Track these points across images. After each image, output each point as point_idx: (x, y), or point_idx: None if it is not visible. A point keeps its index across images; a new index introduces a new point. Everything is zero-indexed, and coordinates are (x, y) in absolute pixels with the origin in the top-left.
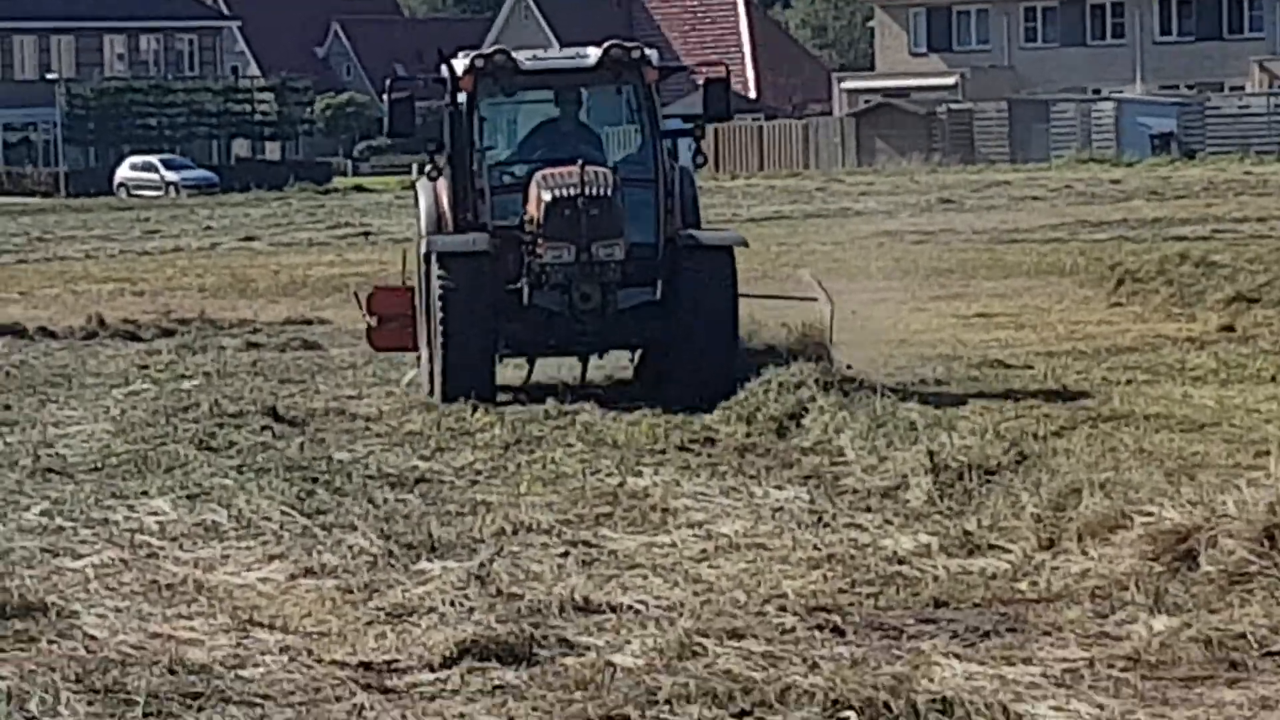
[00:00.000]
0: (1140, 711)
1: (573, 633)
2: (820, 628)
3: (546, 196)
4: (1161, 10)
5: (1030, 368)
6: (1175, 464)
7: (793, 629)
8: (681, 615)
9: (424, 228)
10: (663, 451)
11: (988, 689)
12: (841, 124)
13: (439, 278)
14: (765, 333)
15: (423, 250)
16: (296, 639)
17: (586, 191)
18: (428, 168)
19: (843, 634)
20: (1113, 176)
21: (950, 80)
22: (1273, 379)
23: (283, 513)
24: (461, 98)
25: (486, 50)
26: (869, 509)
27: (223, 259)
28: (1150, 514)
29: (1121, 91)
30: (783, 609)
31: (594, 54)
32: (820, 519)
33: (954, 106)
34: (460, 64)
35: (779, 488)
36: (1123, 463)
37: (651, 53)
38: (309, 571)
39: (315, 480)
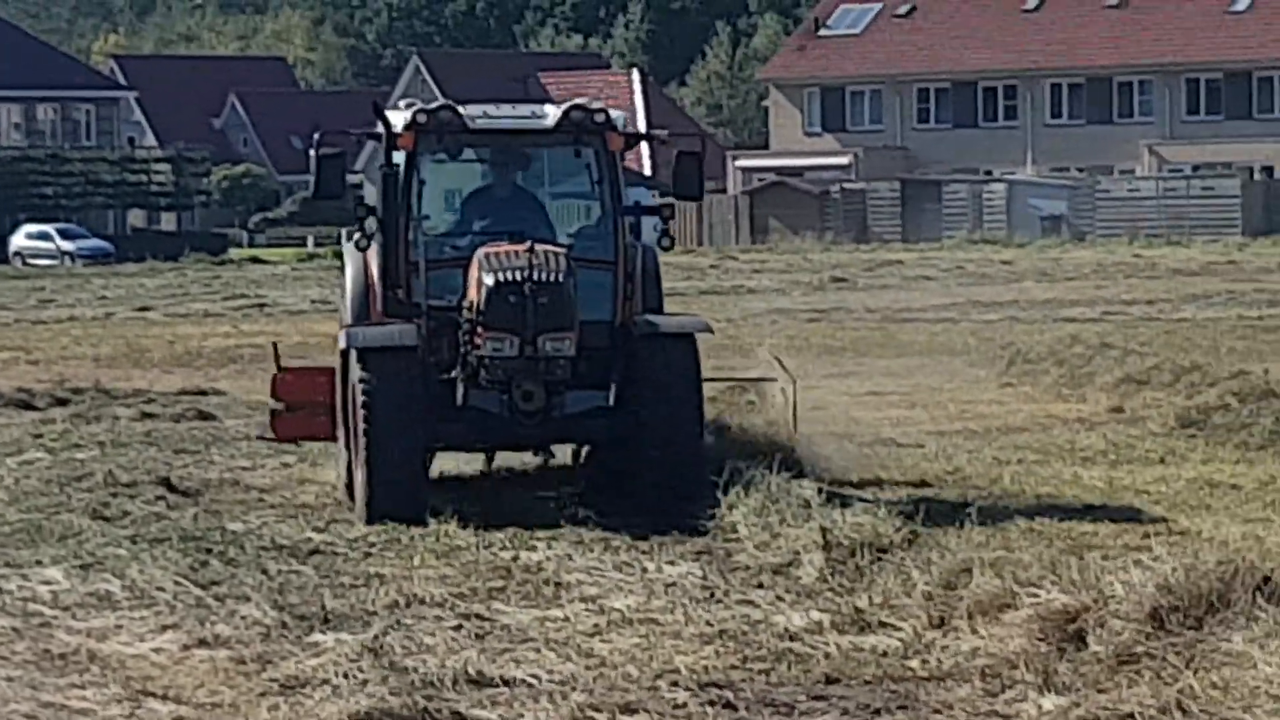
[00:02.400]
0: None
1: (466, 706)
2: (713, 703)
3: (489, 280)
4: (1053, 93)
5: (922, 446)
6: (1064, 544)
7: (685, 705)
8: (574, 690)
9: (349, 303)
10: (556, 525)
11: None
12: (736, 202)
13: (361, 379)
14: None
15: (341, 343)
16: (189, 710)
17: (535, 276)
18: (355, 236)
19: (735, 710)
20: (1004, 257)
21: (844, 160)
22: (1161, 461)
23: (176, 583)
24: (399, 157)
25: (430, 105)
26: (761, 585)
27: (118, 329)
28: (1039, 594)
29: (1013, 173)
30: (675, 684)
31: (552, 114)
32: (713, 595)
33: (847, 186)
34: (399, 118)
35: (671, 563)
36: (1013, 542)
37: (617, 115)
38: (202, 642)
39: (209, 551)
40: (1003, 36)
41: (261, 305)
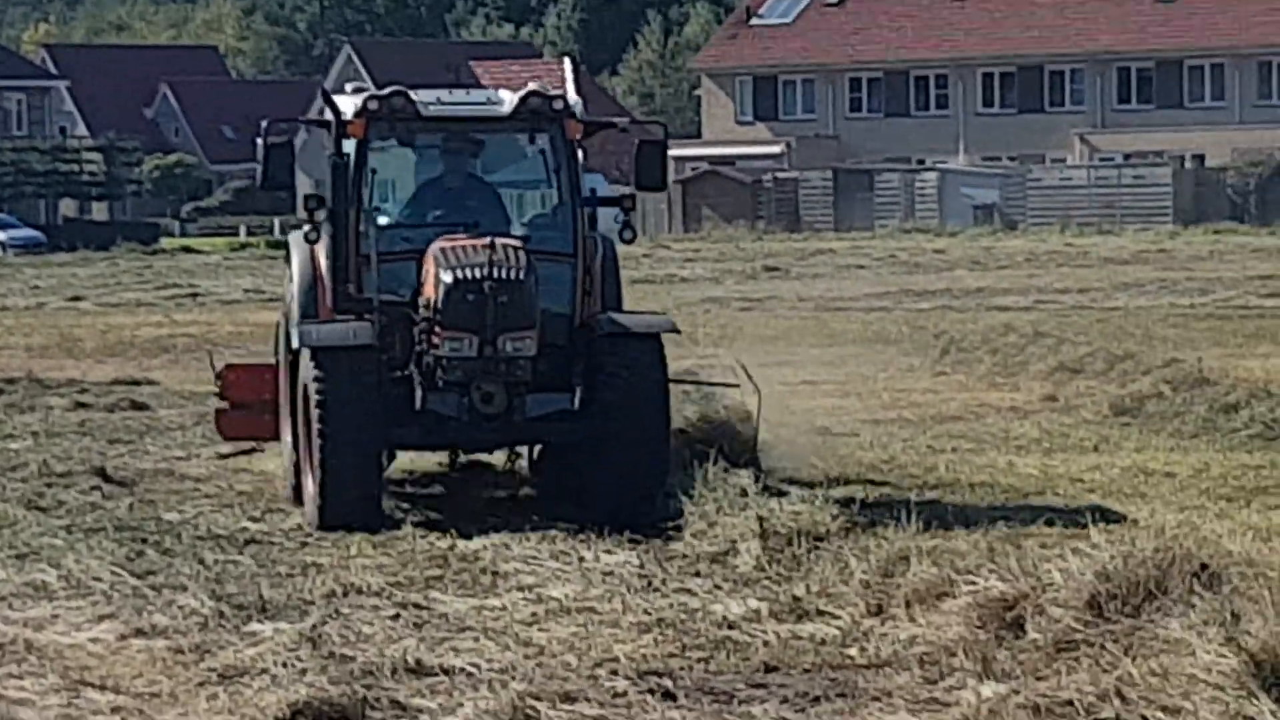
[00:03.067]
0: None
1: (405, 695)
2: (652, 692)
3: (447, 277)
4: (984, 83)
5: (856, 435)
6: (1000, 532)
7: (624, 693)
8: (514, 678)
9: (296, 298)
10: (493, 514)
11: None
12: (668, 191)
13: (315, 380)
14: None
15: (294, 341)
16: (128, 699)
17: (495, 274)
18: (305, 229)
19: (674, 698)
20: (936, 246)
21: (776, 149)
22: (1095, 449)
23: (112, 573)
24: (349, 146)
25: (382, 91)
26: (699, 574)
27: (50, 318)
28: (977, 582)
29: (945, 162)
30: (614, 673)
31: (509, 100)
32: (650, 584)
33: (780, 175)
34: (348, 104)
35: (609, 552)
36: (949, 531)
37: (575, 102)
38: (139, 632)
39: (145, 541)
40: (934, 25)
41: (194, 295)
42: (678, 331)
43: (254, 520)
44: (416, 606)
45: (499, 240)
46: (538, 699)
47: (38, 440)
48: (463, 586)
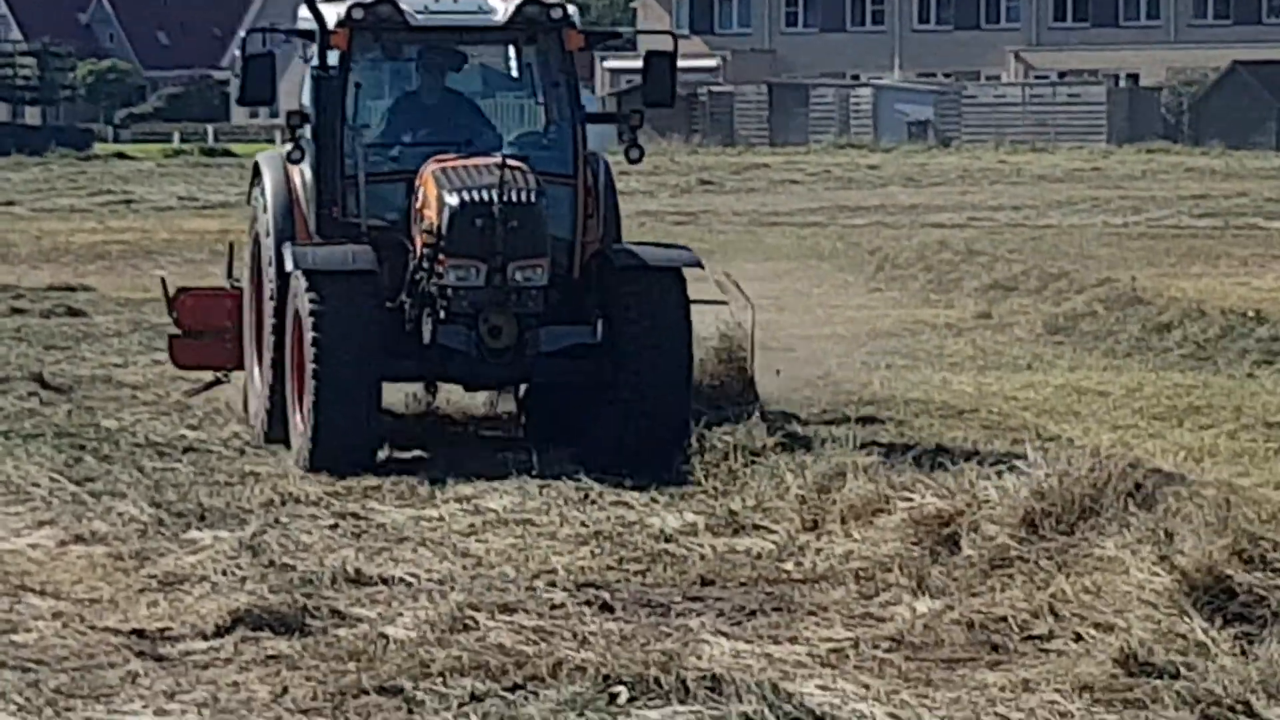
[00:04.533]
0: (904, 692)
1: (344, 604)
2: (589, 604)
3: (452, 200)
4: None
5: (792, 350)
6: (934, 449)
7: (562, 604)
8: (453, 589)
9: (272, 221)
10: (432, 426)
11: (755, 667)
12: (604, 104)
13: (311, 307)
14: None
15: (287, 264)
16: (68, 605)
17: (506, 196)
18: (288, 148)
19: (611, 610)
20: (870, 162)
21: (711, 62)
22: (1028, 367)
23: (51, 479)
24: (333, 58)
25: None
26: (635, 488)
27: None
28: (912, 498)
29: (880, 78)
30: (552, 584)
31: (502, 9)
32: (587, 496)
33: (714, 89)
34: (331, 12)
35: (547, 466)
36: (884, 448)
37: (573, 10)
38: (79, 538)
39: (83, 448)
40: None
41: (129, 202)
42: (700, 266)
43: (191, 428)
44: (354, 516)
45: (508, 159)
46: (476, 609)
47: None
48: (400, 497)
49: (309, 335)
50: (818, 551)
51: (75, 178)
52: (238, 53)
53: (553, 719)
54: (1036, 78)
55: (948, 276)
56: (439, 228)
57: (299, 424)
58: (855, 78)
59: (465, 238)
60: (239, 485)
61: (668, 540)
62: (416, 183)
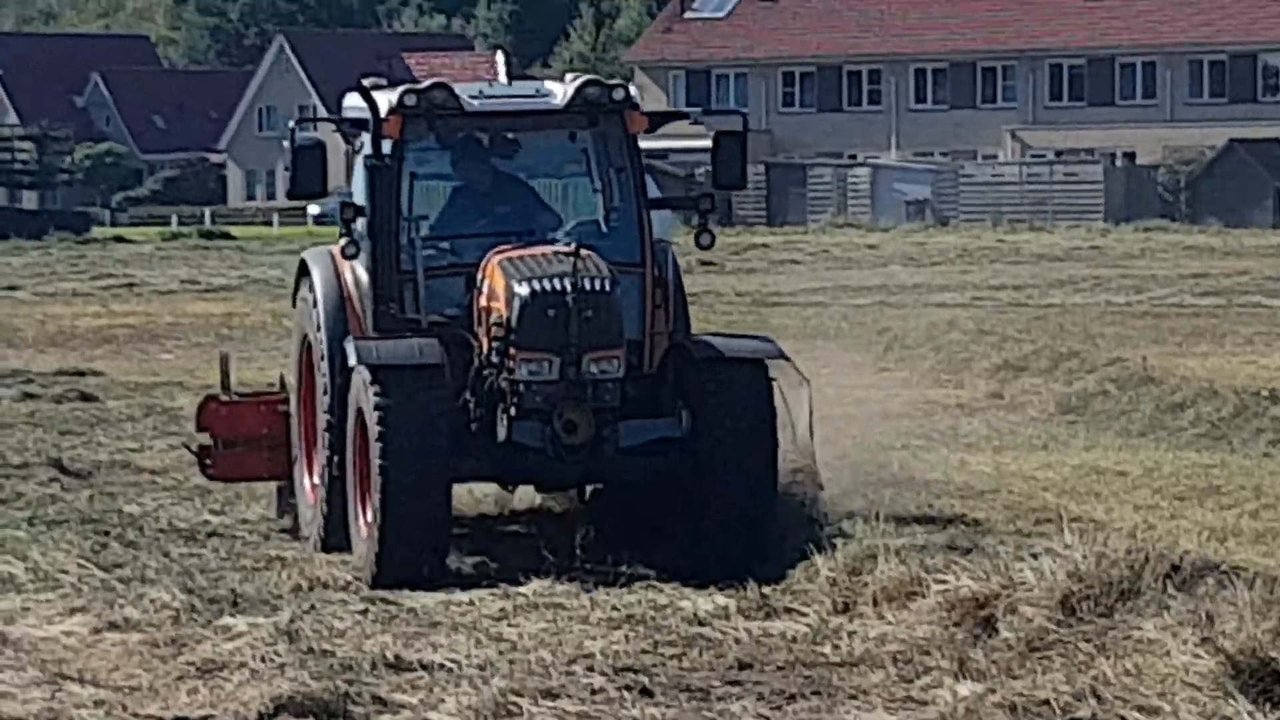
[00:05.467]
0: None
1: (386, 690)
2: (629, 688)
3: (522, 290)
4: (916, 78)
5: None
6: (959, 531)
7: (602, 690)
8: (495, 675)
9: (323, 320)
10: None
11: None
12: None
13: (377, 403)
14: None
15: (351, 358)
16: (109, 693)
17: (580, 285)
18: (343, 243)
19: (651, 695)
20: (869, 242)
21: (708, 143)
22: (1044, 447)
23: (79, 565)
24: (386, 146)
25: (420, 84)
26: (663, 570)
27: None
28: (947, 581)
29: (877, 158)
30: (590, 669)
31: (561, 91)
32: (616, 579)
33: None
34: (383, 99)
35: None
36: (911, 529)
37: (635, 91)
38: (113, 625)
39: (108, 534)
40: (867, 21)
41: (130, 285)
42: (786, 358)
43: (214, 513)
44: (384, 601)
45: (581, 249)
46: (519, 695)
47: None
48: (427, 581)
49: (374, 433)
50: (852, 634)
51: (75, 261)
52: (285, 144)
53: None
54: (1033, 156)
55: (957, 356)
56: (509, 320)
57: (363, 530)
58: (853, 157)
59: (537, 330)
60: (266, 570)
61: (701, 624)
62: (479, 275)
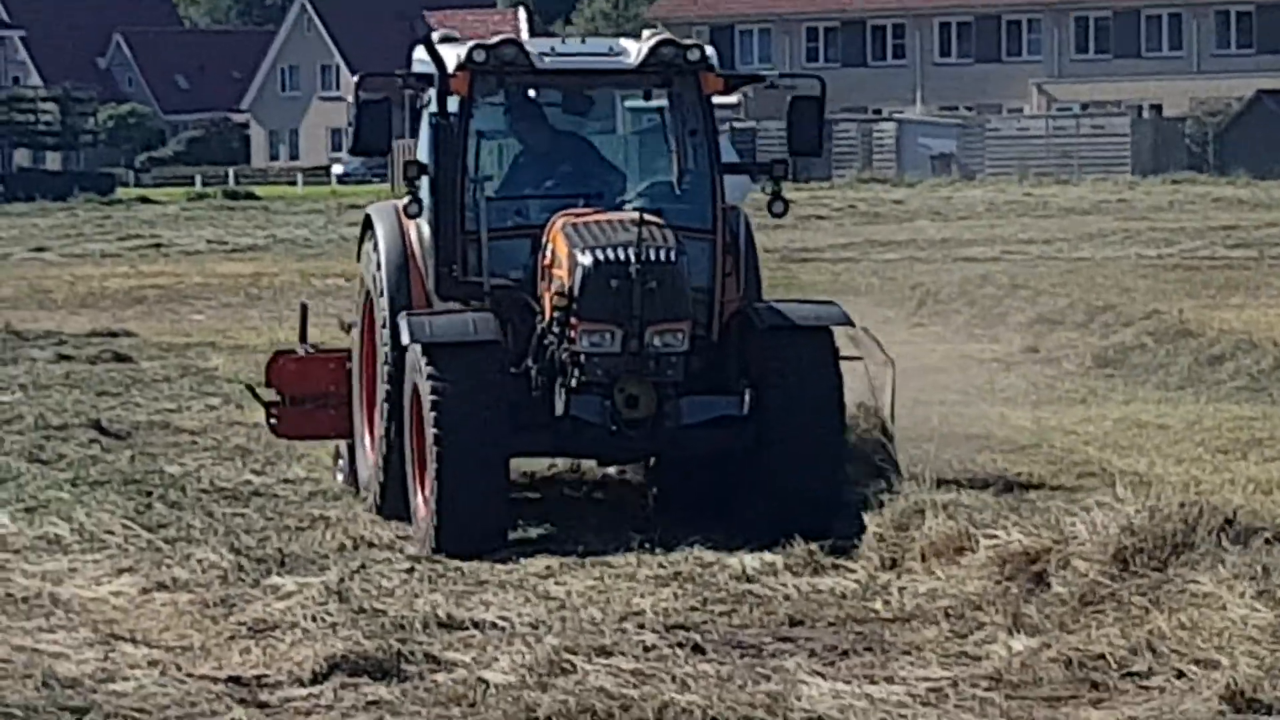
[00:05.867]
0: None
1: (439, 649)
2: (681, 645)
3: (585, 259)
4: (941, 33)
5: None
6: (1004, 485)
7: (654, 647)
8: (547, 632)
9: (385, 281)
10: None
11: (857, 708)
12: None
13: (432, 381)
14: None
15: (404, 336)
16: (161, 653)
17: (645, 255)
18: (406, 200)
19: (704, 652)
20: (895, 197)
21: (733, 99)
22: (1082, 401)
23: (124, 526)
24: (453, 104)
25: (490, 40)
26: (709, 528)
27: (16, 269)
28: (997, 536)
29: (902, 112)
30: (641, 626)
31: (635, 50)
32: (661, 538)
33: (736, 124)
34: (451, 54)
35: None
36: (956, 484)
37: (711, 52)
38: (161, 585)
39: (150, 494)
40: None
41: (157, 245)
42: (851, 324)
43: (255, 473)
44: (430, 560)
45: (646, 216)
46: (573, 653)
47: (27, 393)
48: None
49: (430, 413)
50: (902, 590)
51: (101, 223)
52: (349, 99)
53: None
54: (1059, 110)
55: (991, 311)
56: (570, 289)
57: (421, 506)
58: (878, 112)
59: (600, 300)
60: (311, 530)
61: (749, 580)
62: (544, 238)
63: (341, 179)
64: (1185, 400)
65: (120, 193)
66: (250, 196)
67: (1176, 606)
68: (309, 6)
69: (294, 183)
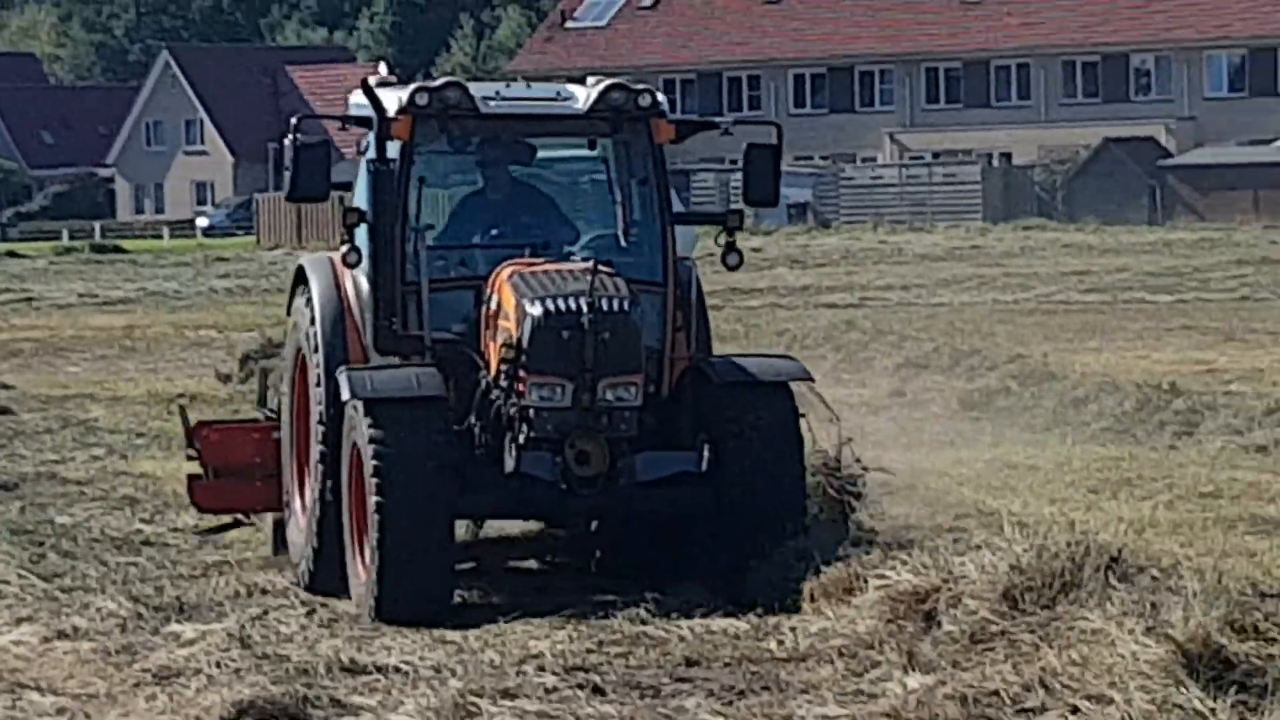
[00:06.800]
0: None
1: (344, 693)
2: (581, 687)
3: (534, 310)
4: (795, 83)
5: None
6: (883, 527)
7: (555, 689)
8: (451, 676)
9: (320, 334)
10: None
11: None
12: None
13: (372, 439)
14: None
15: (344, 391)
16: (69, 701)
17: (598, 305)
18: (344, 250)
19: (604, 693)
20: (753, 245)
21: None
22: (951, 443)
23: (19, 576)
24: (392, 149)
25: (433, 82)
26: (593, 570)
27: None
28: (886, 576)
29: None
30: (541, 669)
31: (583, 95)
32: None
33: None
34: (392, 98)
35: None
36: (837, 527)
37: (663, 99)
38: (62, 634)
39: (42, 544)
40: (745, 27)
41: (29, 299)
42: (811, 379)
43: (145, 522)
44: (323, 605)
45: (599, 265)
46: (478, 695)
47: None
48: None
49: (370, 471)
50: (794, 630)
51: None
52: (285, 143)
53: None
54: (911, 158)
55: (858, 355)
56: (519, 341)
57: (361, 571)
58: (733, 162)
59: (550, 353)
60: (204, 577)
61: (643, 623)
62: (489, 289)
63: (207, 231)
64: (1052, 441)
65: None
66: (118, 250)
67: (1067, 643)
68: (173, 63)
69: (160, 236)
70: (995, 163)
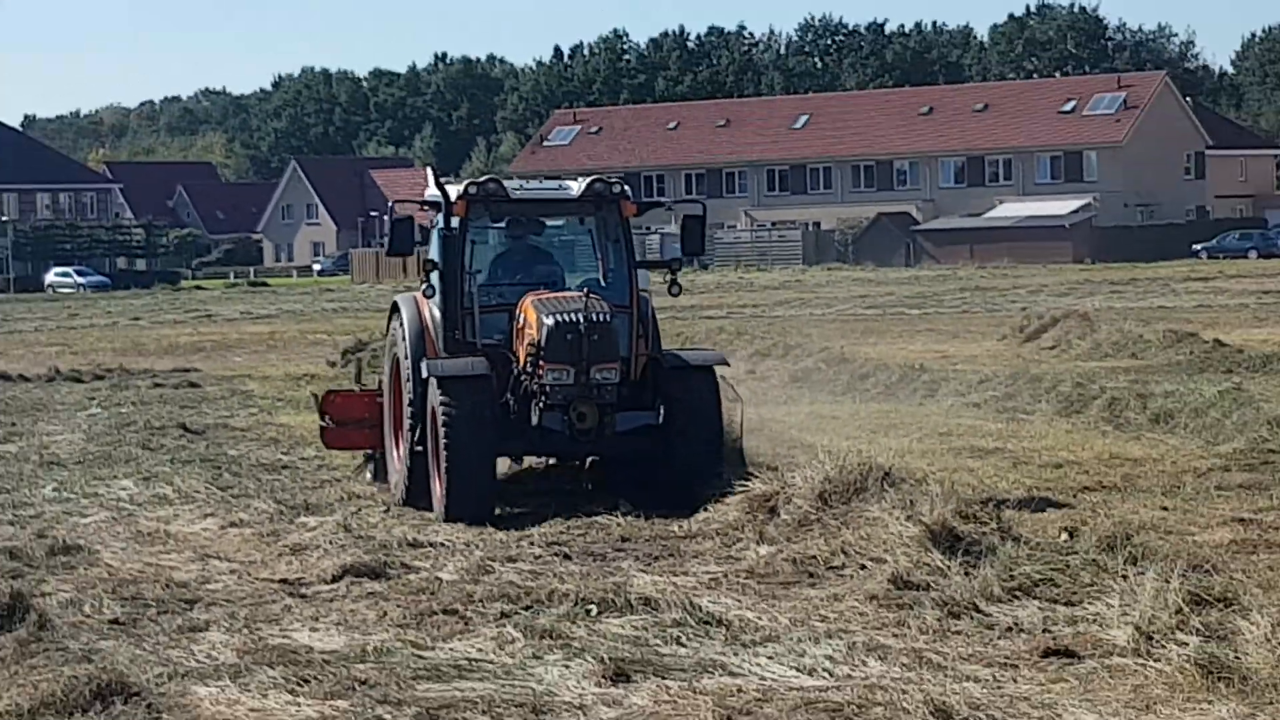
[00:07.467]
0: (761, 603)
1: (409, 559)
2: (557, 555)
3: (549, 321)
4: (686, 180)
5: None
6: (751, 450)
7: (541, 556)
8: (476, 549)
9: (409, 341)
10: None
11: (668, 590)
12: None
13: (441, 403)
14: None
15: (424, 372)
16: (237, 565)
17: (590, 316)
18: (423, 286)
19: (571, 558)
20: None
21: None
22: (785, 403)
23: (205, 488)
24: (455, 221)
25: (479, 179)
26: (585, 489)
27: (123, 332)
28: (747, 485)
29: (663, 228)
30: (531, 544)
31: (576, 187)
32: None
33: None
34: (454, 190)
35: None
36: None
37: (627, 188)
38: (232, 524)
39: (220, 468)
40: (654, 145)
41: (209, 315)
42: (727, 365)
43: (284, 453)
44: (398, 507)
45: (590, 293)
46: (493, 560)
47: (136, 407)
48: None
49: (441, 423)
50: (688, 519)
51: (172, 301)
52: (386, 217)
53: (555, 626)
54: (758, 225)
55: (725, 348)
56: (539, 342)
57: (437, 488)
58: (648, 229)
59: (559, 348)
60: (320, 488)
61: (594, 515)
62: (518, 311)
63: (320, 273)
64: (847, 402)
65: (183, 284)
66: (264, 284)
67: (858, 526)
68: (298, 168)
69: (291, 275)
70: (810, 228)
